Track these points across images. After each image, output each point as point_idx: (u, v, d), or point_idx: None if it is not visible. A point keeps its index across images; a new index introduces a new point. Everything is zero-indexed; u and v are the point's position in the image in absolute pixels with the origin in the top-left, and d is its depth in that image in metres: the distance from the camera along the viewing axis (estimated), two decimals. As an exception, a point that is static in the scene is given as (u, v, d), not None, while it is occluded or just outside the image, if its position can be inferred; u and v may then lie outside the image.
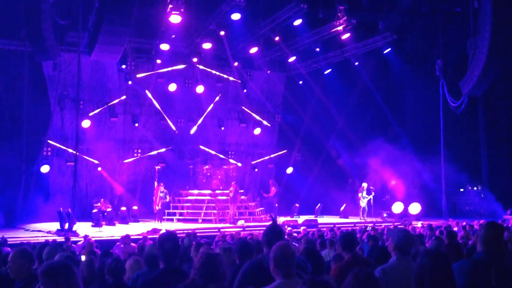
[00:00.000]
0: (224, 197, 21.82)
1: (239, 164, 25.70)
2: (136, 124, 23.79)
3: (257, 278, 4.12)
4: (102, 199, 21.19)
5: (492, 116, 25.58)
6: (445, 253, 4.16)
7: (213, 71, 24.76)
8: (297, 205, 24.06)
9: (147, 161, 24.41)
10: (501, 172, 25.14)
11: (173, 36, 20.86)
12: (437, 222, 19.36)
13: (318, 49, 23.56)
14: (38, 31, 16.55)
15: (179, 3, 17.58)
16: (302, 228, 16.19)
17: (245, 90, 25.75)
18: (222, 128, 25.87)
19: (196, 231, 15.30)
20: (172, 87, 23.85)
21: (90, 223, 19.26)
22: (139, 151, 24.24)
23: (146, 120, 24.77)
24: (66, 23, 18.60)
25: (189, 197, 22.40)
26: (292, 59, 24.20)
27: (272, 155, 27.00)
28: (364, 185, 23.08)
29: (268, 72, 26.49)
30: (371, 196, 22.70)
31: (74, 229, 17.14)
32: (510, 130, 25.26)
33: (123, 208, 21.55)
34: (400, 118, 26.33)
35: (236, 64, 24.57)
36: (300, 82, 26.55)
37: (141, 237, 14.41)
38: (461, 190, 25.90)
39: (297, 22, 20.56)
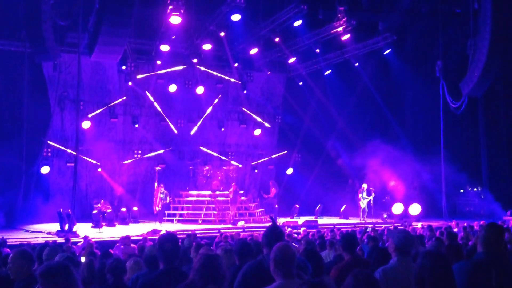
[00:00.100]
0: (224, 198, 21.82)
1: (239, 165, 25.71)
2: (136, 125, 23.79)
3: (257, 279, 4.12)
4: (102, 200, 21.18)
5: (492, 117, 25.57)
6: (445, 254, 4.16)
7: (213, 72, 24.77)
8: (297, 206, 24.04)
9: (147, 162, 24.41)
10: (501, 173, 25.13)
11: (173, 37, 20.85)
12: (437, 223, 19.36)
13: (318, 50, 23.57)
14: (38, 32, 16.57)
15: (179, 4, 17.58)
16: (302, 229, 16.19)
17: (245, 91, 25.74)
18: (222, 129, 25.87)
19: (196, 232, 15.30)
20: (172, 88, 23.85)
21: (90, 224, 19.26)
22: (139, 152, 24.23)
23: (146, 121, 24.77)
24: (66, 24, 18.59)
25: (189, 198, 22.40)
26: (292, 60, 24.20)
27: (272, 156, 26.98)
28: (364, 186, 23.08)
29: (268, 73, 26.50)
30: (371, 197, 22.69)
31: (74, 230, 17.13)
32: (510, 131, 25.25)
33: (123, 209, 21.54)
34: (400, 119, 26.33)
35: (236, 65, 24.56)
36: (300, 83, 26.54)
37: (141, 238, 14.42)
38: (461, 191, 25.87)
39: (297, 23, 20.56)
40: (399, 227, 15.84)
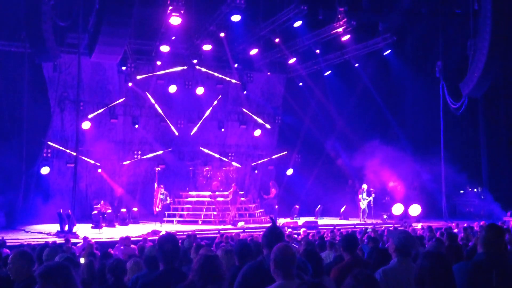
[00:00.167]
0: (224, 199, 21.82)
1: (239, 166, 25.71)
2: (136, 126, 23.79)
3: (257, 279, 4.12)
4: (102, 201, 21.17)
5: (492, 117, 25.57)
6: (445, 254, 4.16)
7: (213, 73, 24.77)
8: (297, 206, 24.05)
9: (147, 162, 24.40)
10: (501, 174, 25.13)
11: (173, 37, 20.85)
12: (437, 224, 19.36)
13: (318, 51, 23.55)
14: (38, 33, 16.57)
15: (179, 5, 17.57)
16: (302, 229, 16.19)
17: (245, 92, 25.74)
18: (222, 130, 25.85)
19: (196, 232, 15.30)
20: (172, 88, 23.84)
21: (90, 225, 19.27)
22: (139, 152, 24.21)
23: (146, 122, 24.77)
24: (66, 25, 18.59)
25: (189, 199, 22.40)
26: (292, 60, 24.19)
27: (272, 157, 26.98)
28: (364, 186, 23.08)
29: (268, 73, 26.50)
30: (371, 198, 22.69)
31: (74, 230, 17.15)
32: (510, 131, 25.25)
33: (123, 210, 21.55)
34: (400, 119, 26.33)
35: (236, 65, 24.56)
36: (300, 84, 26.52)
37: (141, 238, 14.43)
38: (461, 191, 25.88)
39: (297, 23, 20.54)
40: (399, 228, 15.84)
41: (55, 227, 18.04)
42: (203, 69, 24.40)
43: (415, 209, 22.74)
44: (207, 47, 21.94)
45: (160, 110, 24.10)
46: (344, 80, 25.43)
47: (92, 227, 19.02)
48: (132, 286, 5.16)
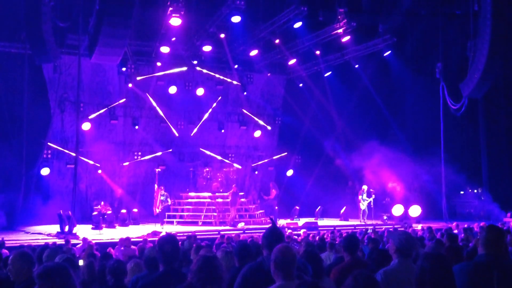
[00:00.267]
0: (224, 200, 21.82)
1: (239, 167, 25.71)
2: (136, 127, 23.80)
3: (256, 280, 4.12)
4: (102, 202, 21.17)
5: (492, 118, 25.58)
6: (445, 255, 4.15)
7: (213, 74, 24.77)
8: (297, 207, 24.06)
9: (147, 163, 24.38)
10: (501, 175, 25.15)
11: (173, 38, 20.84)
12: (437, 225, 19.37)
13: (318, 52, 23.55)
14: (38, 34, 16.56)
15: (179, 6, 17.58)
16: (302, 230, 16.18)
17: (245, 93, 25.76)
18: (222, 131, 25.85)
19: (196, 233, 15.30)
20: (172, 89, 23.85)
21: (90, 226, 19.28)
22: (139, 153, 24.21)
23: (146, 123, 24.77)
24: (66, 26, 18.61)
25: (189, 200, 22.41)
26: (292, 61, 24.18)
27: (272, 158, 26.98)
28: (364, 187, 23.08)
29: (268, 74, 26.50)
30: (371, 199, 22.68)
31: (74, 231, 17.15)
32: (510, 132, 25.25)
33: (123, 211, 21.57)
34: (400, 120, 26.34)
35: (236, 66, 24.58)
36: (300, 85, 26.52)
37: (141, 239, 14.43)
38: (461, 192, 25.88)
39: (297, 24, 20.53)
40: (399, 229, 15.83)
41: (55, 228, 18.05)
42: (203, 70, 24.39)
43: (415, 210, 22.74)
44: (207, 48, 21.96)
45: (160, 111, 24.10)
46: (344, 81, 25.43)
47: (92, 228, 19.03)
48: (132, 287, 5.15)
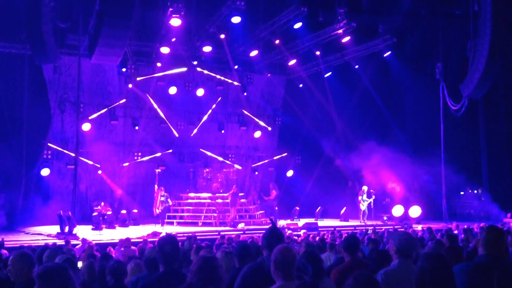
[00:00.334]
0: (224, 200, 21.82)
1: (239, 167, 25.70)
2: (137, 127, 23.80)
3: (256, 280, 4.11)
4: (102, 202, 21.16)
5: (492, 118, 25.58)
6: (445, 256, 4.15)
7: (214, 74, 24.78)
8: (297, 208, 24.05)
9: (147, 164, 24.37)
10: (501, 175, 25.15)
11: (174, 39, 20.83)
12: (437, 225, 19.37)
13: (318, 52, 23.55)
14: (39, 34, 16.55)
15: (179, 6, 17.58)
16: (302, 231, 16.18)
17: (245, 93, 25.76)
18: (222, 131, 25.84)
19: (196, 234, 15.30)
20: (173, 90, 23.85)
21: (90, 226, 19.26)
22: (139, 154, 24.22)
23: (146, 123, 24.76)
24: (66, 26, 18.60)
25: (190, 200, 22.41)
26: (292, 62, 24.19)
27: (272, 158, 26.99)
28: (365, 188, 23.08)
29: (268, 75, 26.50)
30: (371, 199, 22.68)
31: (74, 232, 17.14)
32: (511, 132, 25.25)
33: (123, 211, 21.55)
34: (400, 121, 26.35)
35: (236, 67, 24.59)
36: (300, 85, 26.52)
37: (141, 240, 14.43)
38: (461, 193, 25.88)
39: (297, 25, 20.53)
40: (399, 229, 15.84)
41: (55, 229, 18.05)
42: (204, 71, 24.40)
43: (415, 211, 22.73)
44: (207, 49, 21.96)
45: (160, 112, 24.10)
46: (344, 82, 25.44)
47: (92, 229, 19.01)
48: (132, 287, 5.15)
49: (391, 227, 19.37)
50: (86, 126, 22.07)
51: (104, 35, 14.81)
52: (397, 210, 22.90)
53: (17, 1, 17.96)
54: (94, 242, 13.79)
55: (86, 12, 17.78)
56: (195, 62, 23.61)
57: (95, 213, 19.91)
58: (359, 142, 24.85)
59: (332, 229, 17.69)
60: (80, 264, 7.40)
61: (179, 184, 23.87)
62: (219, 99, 25.53)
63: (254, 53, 22.91)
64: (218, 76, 24.91)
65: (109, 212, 20.66)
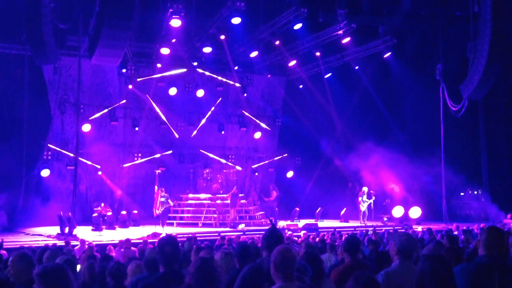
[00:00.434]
0: (224, 201, 21.82)
1: (240, 168, 25.69)
2: (137, 128, 23.80)
3: (256, 281, 4.10)
4: (103, 203, 21.17)
5: (492, 119, 25.57)
6: (446, 257, 4.15)
7: (214, 75, 24.78)
8: (297, 209, 24.05)
9: (148, 165, 24.37)
10: (501, 176, 25.14)
11: (174, 40, 20.84)
12: (437, 226, 19.36)
13: (318, 53, 23.54)
14: (39, 35, 16.55)
15: (179, 7, 17.57)
16: (302, 232, 16.18)
17: (245, 94, 25.76)
18: (223, 132, 25.84)
19: (197, 235, 15.30)
20: (173, 91, 23.85)
21: (91, 227, 19.26)
22: (140, 155, 24.22)
23: (146, 124, 24.76)
24: (66, 27, 18.59)
25: (190, 201, 22.41)
26: (292, 63, 24.18)
27: (272, 159, 26.98)
28: (365, 189, 23.07)
29: (269, 76, 26.50)
30: (371, 200, 22.67)
31: (74, 233, 17.13)
32: (510, 133, 25.25)
33: (123, 212, 21.54)
34: (400, 122, 26.34)
35: (236, 68, 24.59)
36: (301, 86, 26.53)
37: (141, 241, 14.43)
38: (461, 194, 25.87)
39: (297, 26, 20.50)
40: (400, 230, 15.83)
41: (55, 230, 18.04)
42: (204, 72, 24.41)
43: (415, 212, 22.73)
44: (207, 50, 21.94)
45: (160, 113, 24.10)
46: (344, 83, 25.43)
47: (93, 230, 19.01)
48: (132, 288, 5.15)
49: (391, 228, 19.36)
50: (86, 127, 22.08)
51: (104, 36, 14.80)
52: (397, 211, 22.89)
53: (17, 1, 17.97)
54: (94, 243, 13.79)
55: (86, 13, 17.77)
56: (195, 63, 23.62)
57: (95, 214, 19.90)
58: (359, 143, 24.84)
59: (332, 230, 17.68)
60: (79, 267, 7.39)
61: (179, 185, 23.86)
62: (219, 100, 25.54)
63: (254, 54, 22.91)
64: (218, 77, 24.91)
65: (109, 213, 20.66)
